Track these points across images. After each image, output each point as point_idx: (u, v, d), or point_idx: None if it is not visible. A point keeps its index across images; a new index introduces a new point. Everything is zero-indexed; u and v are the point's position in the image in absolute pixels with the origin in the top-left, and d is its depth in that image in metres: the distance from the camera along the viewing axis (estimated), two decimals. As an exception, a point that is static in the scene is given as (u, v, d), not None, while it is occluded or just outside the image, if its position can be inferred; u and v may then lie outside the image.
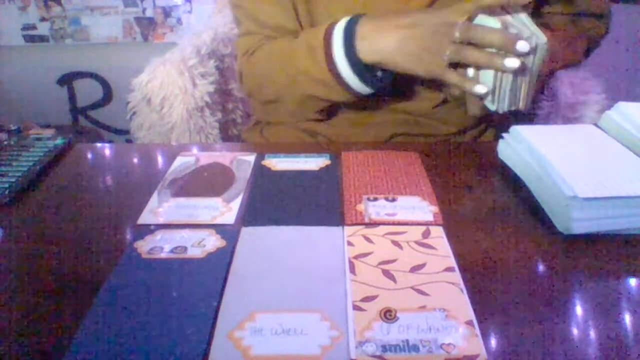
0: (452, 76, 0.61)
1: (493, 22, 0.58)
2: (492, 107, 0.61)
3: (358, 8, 0.69)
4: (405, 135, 0.77)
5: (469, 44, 0.59)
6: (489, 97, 0.61)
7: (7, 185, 0.57)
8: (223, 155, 0.65)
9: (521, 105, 0.61)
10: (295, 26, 0.75)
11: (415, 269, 0.44)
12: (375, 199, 0.54)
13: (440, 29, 0.61)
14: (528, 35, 0.57)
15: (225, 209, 0.54)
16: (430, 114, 0.76)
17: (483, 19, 0.59)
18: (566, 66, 0.84)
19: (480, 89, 0.59)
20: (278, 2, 0.74)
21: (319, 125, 0.78)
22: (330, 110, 0.77)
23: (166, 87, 0.84)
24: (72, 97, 1.91)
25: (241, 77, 0.81)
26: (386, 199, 0.55)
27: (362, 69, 0.66)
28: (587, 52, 0.86)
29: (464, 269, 0.44)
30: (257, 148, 0.68)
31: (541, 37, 0.58)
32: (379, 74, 0.68)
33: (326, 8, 0.72)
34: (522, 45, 0.56)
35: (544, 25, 0.80)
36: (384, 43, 0.64)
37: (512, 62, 0.56)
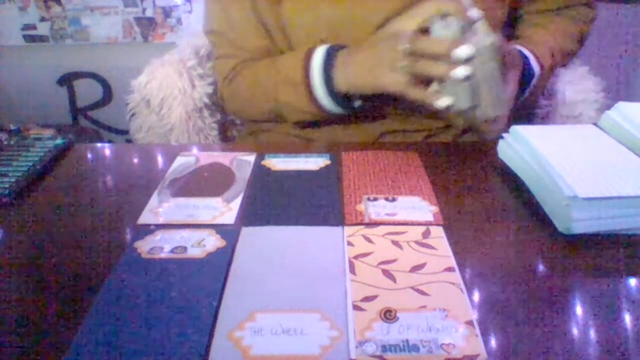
0: (413, 92, 0.61)
1: (440, 29, 0.57)
2: (455, 107, 0.58)
3: (328, 23, 0.70)
4: (395, 132, 0.77)
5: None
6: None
7: (7, 185, 0.57)
8: (223, 155, 0.65)
9: (489, 110, 0.58)
10: (270, 44, 0.77)
11: (415, 269, 0.44)
12: (375, 199, 0.54)
13: (389, 42, 0.61)
14: (474, 38, 0.56)
15: (225, 209, 0.54)
16: (418, 110, 0.76)
17: (435, 28, 0.58)
18: (563, 65, 0.85)
19: (441, 102, 0.58)
20: (250, 24, 0.76)
21: (311, 131, 0.79)
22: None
23: (165, 89, 0.84)
24: (72, 97, 1.91)
25: (223, 100, 0.84)
26: (386, 199, 0.55)
27: (342, 97, 0.68)
28: (581, 40, 0.86)
29: (464, 269, 0.44)
30: (257, 148, 0.68)
31: (484, 40, 0.56)
32: (357, 103, 0.70)
33: (296, 23, 0.73)
34: (461, 51, 0.55)
35: (541, 25, 0.80)
36: (352, 69, 0.66)
37: (459, 72, 0.55)
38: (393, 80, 0.61)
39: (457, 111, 0.59)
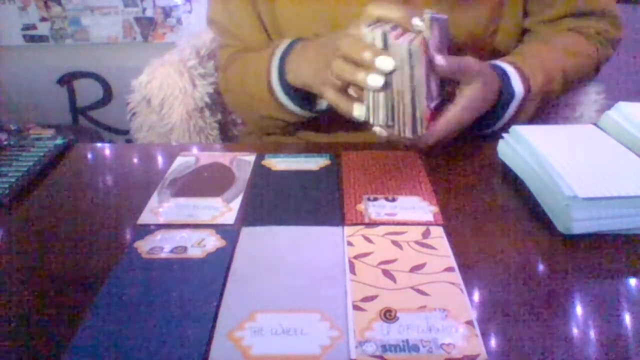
0: (333, 96, 0.57)
1: (367, 35, 0.52)
2: (370, 120, 0.54)
3: (321, 20, 0.69)
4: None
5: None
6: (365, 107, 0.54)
7: (7, 185, 0.57)
8: (223, 155, 0.65)
9: (405, 130, 0.53)
10: (264, 37, 0.76)
11: (415, 269, 0.44)
12: (375, 199, 0.54)
13: (334, 43, 0.56)
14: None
15: (225, 209, 0.54)
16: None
17: (364, 33, 0.53)
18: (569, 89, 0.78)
19: (356, 111, 0.54)
20: (247, 16, 0.76)
21: (315, 135, 0.79)
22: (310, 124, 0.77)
23: (166, 88, 0.84)
24: (72, 97, 1.91)
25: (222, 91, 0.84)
26: (386, 199, 0.55)
27: (293, 93, 0.66)
28: (598, 64, 0.78)
29: (464, 269, 0.44)
30: (257, 148, 0.68)
31: (402, 48, 0.50)
32: (321, 105, 0.68)
33: (289, 20, 0.72)
34: (380, 62, 0.50)
35: (544, 40, 0.75)
36: (301, 66, 0.64)
37: (374, 80, 0.51)
38: (324, 84, 0.58)
39: (376, 125, 0.54)
